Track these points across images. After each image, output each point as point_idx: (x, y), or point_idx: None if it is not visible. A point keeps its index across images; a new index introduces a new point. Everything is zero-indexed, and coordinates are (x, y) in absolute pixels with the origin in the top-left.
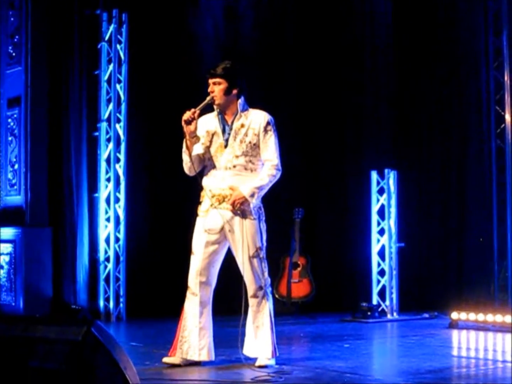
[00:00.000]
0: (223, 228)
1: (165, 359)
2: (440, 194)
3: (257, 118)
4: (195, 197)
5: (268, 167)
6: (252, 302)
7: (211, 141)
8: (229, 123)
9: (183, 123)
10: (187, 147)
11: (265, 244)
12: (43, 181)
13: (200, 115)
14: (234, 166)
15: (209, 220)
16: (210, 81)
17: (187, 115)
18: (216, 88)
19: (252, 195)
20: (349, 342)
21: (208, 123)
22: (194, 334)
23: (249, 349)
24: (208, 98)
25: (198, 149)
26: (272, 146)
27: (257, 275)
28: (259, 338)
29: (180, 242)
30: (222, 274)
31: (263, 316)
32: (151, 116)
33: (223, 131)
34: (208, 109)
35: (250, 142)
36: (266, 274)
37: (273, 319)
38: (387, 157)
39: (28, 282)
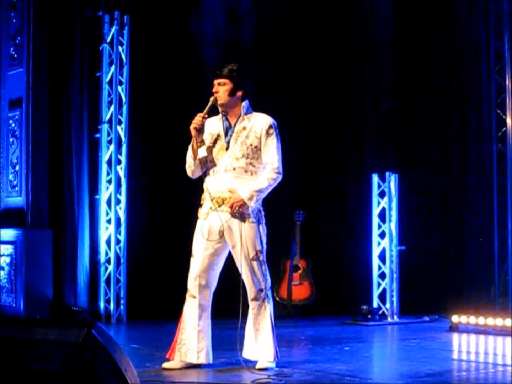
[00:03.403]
0: (223, 231)
1: (165, 365)
2: (441, 197)
3: (260, 121)
4: (196, 200)
5: (269, 170)
6: (252, 305)
7: (214, 143)
8: (232, 125)
9: (192, 129)
10: (193, 151)
11: (265, 247)
12: (44, 183)
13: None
14: (234, 169)
15: (209, 223)
16: (215, 81)
17: (197, 121)
18: (221, 89)
19: (251, 198)
20: (349, 345)
21: (212, 125)
22: (193, 337)
23: (249, 352)
24: (211, 99)
25: (202, 152)
26: (274, 149)
27: (257, 278)
28: (260, 341)
29: (180, 244)
30: (222, 277)
31: (263, 319)
32: (152, 118)
33: (226, 133)
34: (214, 112)
35: (251, 145)
36: (267, 276)
37: (273, 321)
38: (388, 160)
39: (29, 284)
